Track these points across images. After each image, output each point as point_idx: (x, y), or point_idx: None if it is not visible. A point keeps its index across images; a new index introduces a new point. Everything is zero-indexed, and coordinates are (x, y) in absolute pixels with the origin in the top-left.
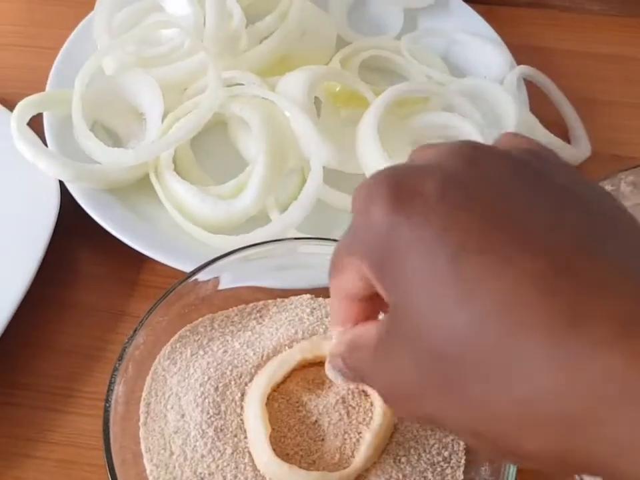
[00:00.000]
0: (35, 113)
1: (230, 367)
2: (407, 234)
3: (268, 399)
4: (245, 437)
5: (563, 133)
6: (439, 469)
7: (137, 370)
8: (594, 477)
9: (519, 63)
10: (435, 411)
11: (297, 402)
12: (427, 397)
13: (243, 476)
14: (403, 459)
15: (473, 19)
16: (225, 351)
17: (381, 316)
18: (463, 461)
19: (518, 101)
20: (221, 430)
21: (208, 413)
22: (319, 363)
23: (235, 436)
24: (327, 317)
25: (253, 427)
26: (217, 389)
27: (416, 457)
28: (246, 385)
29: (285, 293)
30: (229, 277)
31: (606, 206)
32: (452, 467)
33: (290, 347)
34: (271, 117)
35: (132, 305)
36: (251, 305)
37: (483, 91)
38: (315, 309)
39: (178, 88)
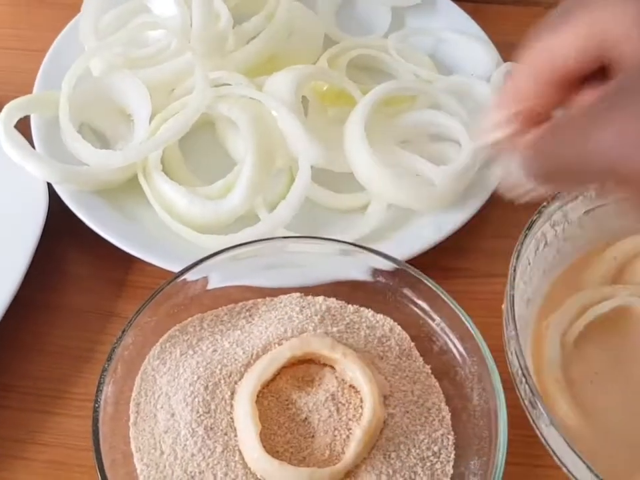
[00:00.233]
0: (22, 115)
1: (219, 366)
2: None
3: (258, 396)
4: (235, 435)
5: None
6: (428, 464)
7: (126, 370)
8: None
9: (505, 60)
10: None
11: (287, 399)
12: None
13: (233, 474)
14: (393, 455)
15: (460, 17)
16: (215, 350)
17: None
18: (452, 456)
19: None
20: (211, 428)
21: (198, 412)
22: (308, 361)
23: (225, 434)
24: (316, 315)
25: (243, 425)
26: (206, 387)
27: (405, 452)
28: (236, 383)
29: (274, 292)
30: (217, 277)
31: None
32: (441, 462)
33: (279, 345)
34: (258, 117)
35: (121, 306)
36: (240, 304)
37: (469, 89)
38: (304, 307)
39: (165, 89)
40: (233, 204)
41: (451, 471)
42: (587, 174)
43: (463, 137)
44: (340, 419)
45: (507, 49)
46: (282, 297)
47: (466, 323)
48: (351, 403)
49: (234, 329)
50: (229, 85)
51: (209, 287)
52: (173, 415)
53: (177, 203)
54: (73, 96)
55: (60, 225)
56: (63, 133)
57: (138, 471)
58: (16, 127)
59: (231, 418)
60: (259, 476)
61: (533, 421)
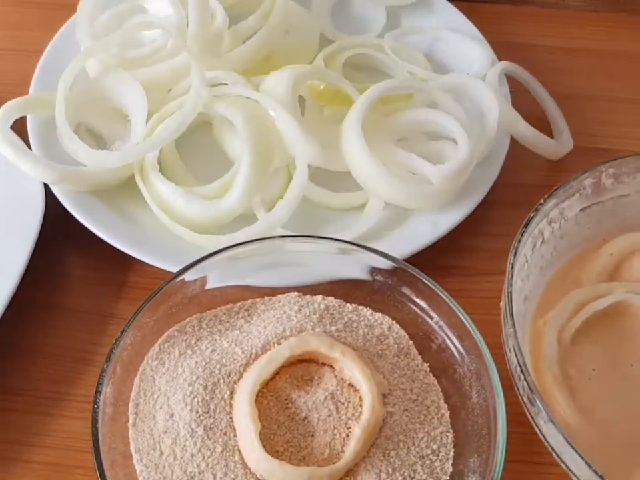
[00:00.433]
0: (18, 116)
1: (218, 366)
2: None
3: (257, 396)
4: (235, 435)
5: (545, 127)
6: (427, 462)
7: (124, 371)
8: None
9: (500, 59)
10: None
11: (286, 399)
12: None
13: (233, 474)
14: (392, 453)
15: (455, 16)
16: (214, 350)
17: None
18: (451, 454)
19: (500, 97)
20: (211, 428)
21: (197, 412)
22: (307, 360)
23: (225, 434)
24: (314, 314)
25: (243, 425)
26: (205, 387)
27: (405, 451)
28: (235, 383)
29: (273, 291)
30: (216, 277)
31: None
32: (441, 460)
33: (278, 345)
34: (255, 116)
35: (120, 307)
36: (239, 303)
37: (465, 87)
38: (302, 306)
39: (162, 89)
40: (231, 203)
41: (450, 469)
42: None
43: (459, 135)
44: (339, 417)
45: (502, 47)
46: (280, 296)
47: (464, 320)
48: (350, 401)
49: (232, 329)
50: (226, 84)
51: (208, 286)
52: (172, 415)
53: (174, 203)
54: (69, 96)
55: (57, 225)
56: (60, 133)
57: (137, 472)
58: (12, 127)
59: (230, 418)
60: (258, 475)
61: (532, 417)
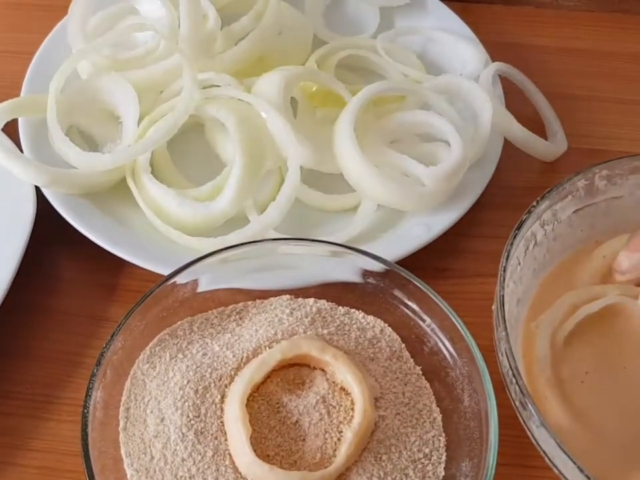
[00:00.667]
0: (9, 118)
1: (209, 370)
2: None
3: (248, 400)
4: (226, 439)
5: (539, 128)
6: (420, 466)
7: (115, 375)
8: None
9: (494, 60)
10: None
11: (277, 403)
12: None
13: (224, 478)
14: (384, 457)
15: (449, 17)
16: (205, 354)
17: None
18: (443, 458)
19: (493, 98)
20: (201, 433)
21: (188, 416)
22: (299, 363)
23: (216, 438)
24: (306, 317)
25: (234, 429)
26: (196, 391)
27: (397, 455)
28: (226, 387)
29: (264, 294)
30: (207, 279)
31: None
32: (433, 464)
33: (270, 348)
34: (247, 118)
35: (111, 310)
36: (230, 306)
37: (458, 88)
38: (294, 309)
39: (154, 91)
40: (223, 206)
41: (443, 473)
42: None
43: (452, 137)
44: (331, 421)
45: (495, 48)
46: (272, 299)
47: (456, 323)
48: (341, 405)
49: (224, 332)
50: (218, 86)
51: (199, 289)
52: (162, 419)
53: (166, 205)
54: (61, 98)
55: (48, 228)
56: (51, 135)
57: (128, 476)
58: (3, 130)
59: (221, 422)
60: None
61: (524, 421)
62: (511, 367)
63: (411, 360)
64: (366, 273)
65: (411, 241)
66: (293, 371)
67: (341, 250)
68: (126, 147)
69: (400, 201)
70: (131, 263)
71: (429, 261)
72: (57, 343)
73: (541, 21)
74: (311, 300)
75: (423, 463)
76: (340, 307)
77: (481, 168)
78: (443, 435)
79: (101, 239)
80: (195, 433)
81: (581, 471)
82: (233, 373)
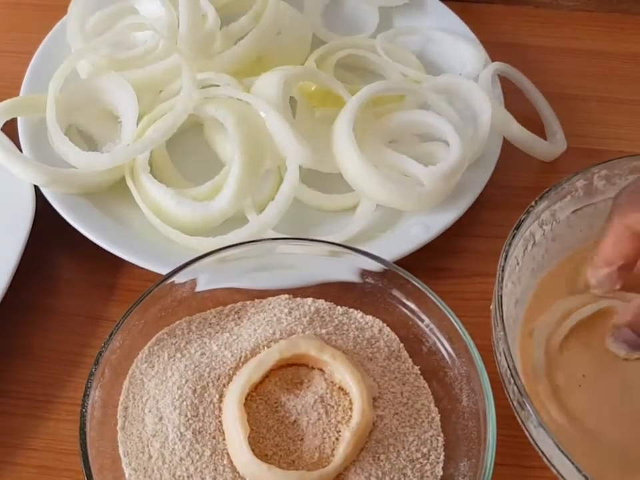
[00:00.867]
0: (8, 118)
1: (208, 369)
2: None
3: (246, 399)
4: (224, 439)
5: (538, 128)
6: (418, 465)
7: (113, 374)
8: None
9: (494, 60)
10: None
11: (276, 402)
12: None
13: (222, 477)
14: (382, 457)
15: (448, 17)
16: (203, 353)
17: None
18: (441, 457)
19: (492, 98)
20: (199, 432)
21: (186, 416)
22: (297, 363)
23: (214, 438)
24: (304, 317)
25: (232, 428)
26: (194, 391)
27: (395, 454)
28: (224, 386)
29: (263, 294)
30: (206, 279)
31: None
32: (431, 463)
33: (268, 348)
34: (246, 118)
35: (110, 310)
36: (229, 306)
37: (458, 88)
38: (292, 308)
39: (153, 90)
40: (222, 205)
41: (441, 473)
42: None
43: (451, 136)
44: (329, 421)
45: (495, 48)
46: (270, 298)
47: (455, 323)
48: (339, 405)
49: (222, 332)
50: (217, 86)
51: (197, 289)
52: (160, 418)
53: (165, 204)
54: (60, 98)
55: (47, 228)
56: (50, 135)
57: (126, 476)
58: (3, 129)
59: (220, 421)
60: (247, 479)
61: (522, 421)
62: (509, 366)
63: (410, 360)
64: (364, 273)
65: (410, 241)
66: (291, 371)
67: (339, 250)
68: (125, 147)
69: (399, 201)
70: (130, 263)
71: (427, 261)
72: (55, 342)
73: (541, 21)
74: (310, 299)
75: (421, 463)
76: (338, 307)
77: (480, 168)
78: (441, 434)
79: (100, 238)
80: (193, 433)
81: (579, 470)
82: (231, 372)
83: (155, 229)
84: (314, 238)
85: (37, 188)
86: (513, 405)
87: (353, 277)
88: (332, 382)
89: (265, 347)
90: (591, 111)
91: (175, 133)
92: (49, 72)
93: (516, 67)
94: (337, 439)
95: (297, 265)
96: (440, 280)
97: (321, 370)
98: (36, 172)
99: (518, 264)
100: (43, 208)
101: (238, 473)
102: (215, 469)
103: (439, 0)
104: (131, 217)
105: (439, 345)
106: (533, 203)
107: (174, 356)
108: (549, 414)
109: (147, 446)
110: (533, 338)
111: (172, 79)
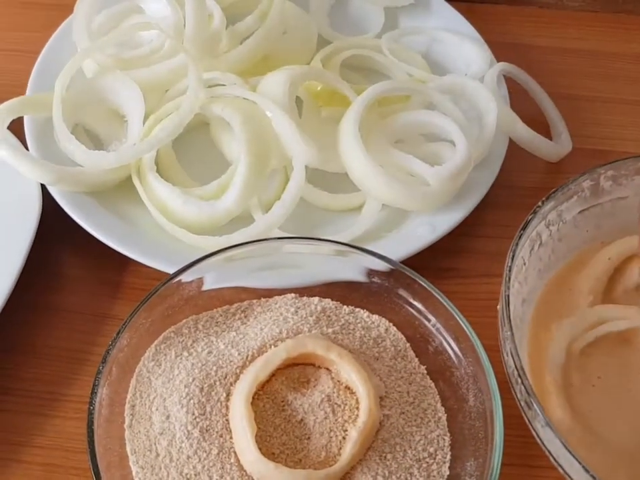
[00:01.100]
0: (15, 116)
1: (215, 368)
2: None
3: (253, 398)
4: (231, 437)
5: (544, 129)
6: (424, 465)
7: (121, 372)
8: None
9: (499, 60)
10: None
11: (283, 401)
12: None
13: (229, 476)
14: (389, 456)
15: (453, 17)
16: (210, 352)
17: None
18: (448, 457)
19: (498, 98)
20: (207, 430)
21: (193, 414)
22: (303, 362)
23: (221, 436)
24: (311, 316)
25: (239, 427)
26: (202, 389)
27: (401, 454)
28: (231, 385)
29: (269, 293)
30: (212, 278)
31: None
32: (437, 463)
33: (275, 346)
34: (252, 118)
35: (116, 308)
36: (235, 305)
37: (463, 88)
38: (299, 308)
39: (159, 89)
40: (228, 205)
41: (447, 472)
42: None
43: (457, 137)
44: (336, 420)
45: (500, 48)
46: (277, 297)
47: (461, 323)
48: (346, 404)
49: (229, 330)
50: (223, 85)
51: (204, 288)
52: (168, 417)
53: (171, 203)
54: (66, 97)
55: (54, 226)
56: (57, 134)
57: (133, 473)
58: (9, 128)
59: (226, 420)
60: (254, 478)
61: (529, 421)
62: (516, 366)
63: (416, 359)
64: (371, 272)
65: (416, 241)
66: (298, 370)
67: (345, 249)
68: (131, 146)
69: (405, 201)
70: (136, 261)
71: (433, 261)
72: (62, 340)
73: (546, 22)
74: (316, 299)
75: (427, 462)
76: (345, 306)
77: (486, 168)
78: (448, 434)
79: (107, 236)
80: (200, 431)
81: (587, 470)
82: (238, 371)
83: (161, 228)
84: (320, 237)
85: (43, 186)
86: (520, 404)
87: (360, 277)
88: (338, 381)
89: (272, 346)
90: (596, 112)
91: (181, 132)
92: (55, 71)
93: (521, 67)
94: (344, 438)
95: (303, 264)
96: (446, 280)
97: (328, 369)
98: (42, 170)
99: (525, 264)
100: (49, 206)
101: (245, 471)
102: (222, 467)
103: (444, 0)
104: (137, 216)
105: (445, 344)
106: (539, 203)
107: (181, 354)
108: (557, 411)
109: (154, 444)
110: (557, 333)
111: (178, 79)
